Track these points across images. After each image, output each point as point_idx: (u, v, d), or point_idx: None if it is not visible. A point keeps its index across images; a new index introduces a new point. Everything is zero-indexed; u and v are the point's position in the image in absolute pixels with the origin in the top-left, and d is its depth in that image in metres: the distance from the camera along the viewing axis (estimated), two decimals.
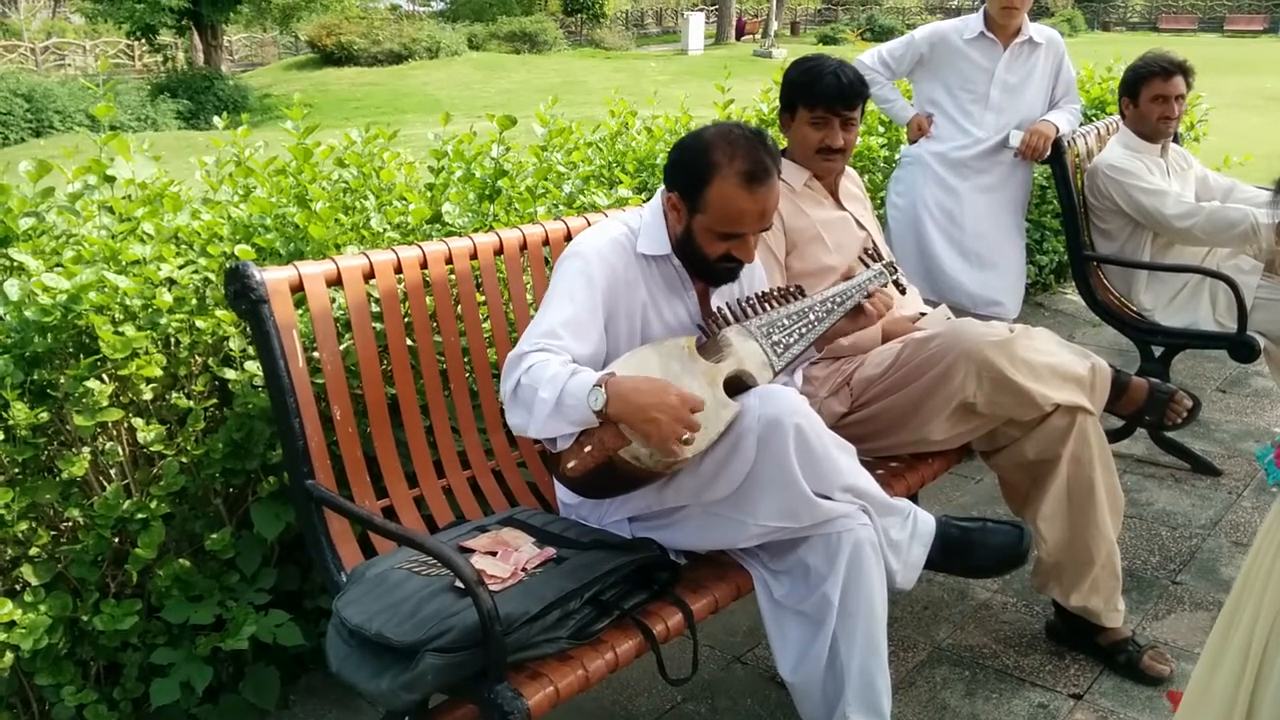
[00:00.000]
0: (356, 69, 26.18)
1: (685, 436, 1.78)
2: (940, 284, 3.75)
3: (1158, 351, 3.73)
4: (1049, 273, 5.73)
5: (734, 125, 2.09)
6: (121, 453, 2.16)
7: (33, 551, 2.07)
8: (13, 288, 2.05)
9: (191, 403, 2.22)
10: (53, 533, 2.12)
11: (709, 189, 2.00)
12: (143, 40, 23.78)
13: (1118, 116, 3.91)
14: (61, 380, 2.06)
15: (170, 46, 25.42)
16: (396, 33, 27.65)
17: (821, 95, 2.57)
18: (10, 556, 2.07)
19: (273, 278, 1.98)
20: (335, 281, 2.11)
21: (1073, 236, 3.76)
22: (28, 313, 2.01)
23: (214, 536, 2.22)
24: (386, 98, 22.55)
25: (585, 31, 36.72)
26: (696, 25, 34.20)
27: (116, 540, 2.15)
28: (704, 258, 2.08)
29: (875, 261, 2.39)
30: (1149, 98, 3.63)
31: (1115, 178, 3.62)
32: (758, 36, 37.43)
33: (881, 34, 36.11)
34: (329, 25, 27.12)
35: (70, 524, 2.16)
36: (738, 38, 38.02)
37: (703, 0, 47.99)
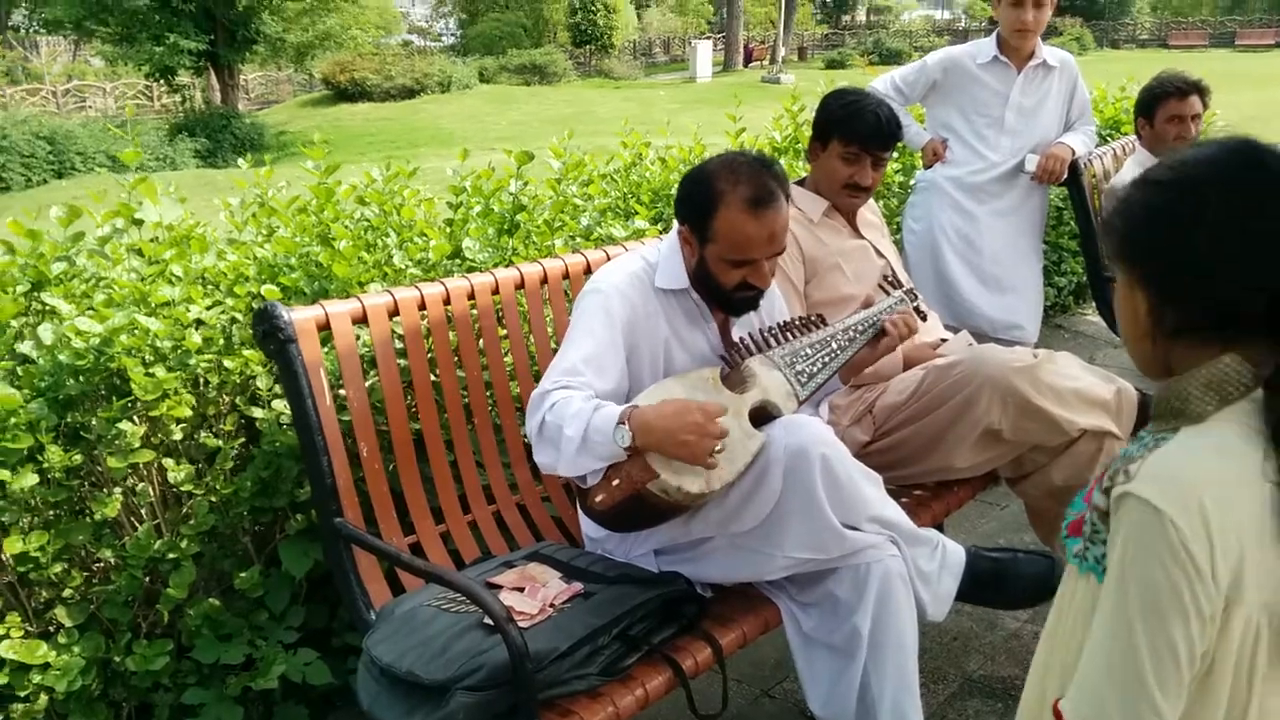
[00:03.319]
0: (370, 104, 26.44)
1: (718, 447, 1.79)
2: (959, 309, 3.74)
3: None
4: (1068, 294, 5.72)
5: (738, 154, 2.11)
6: (152, 493, 2.18)
7: (66, 593, 2.08)
8: (46, 332, 2.08)
9: (220, 442, 2.24)
10: (84, 574, 2.14)
11: (716, 218, 2.02)
12: (161, 81, 24.12)
13: (1134, 137, 3.91)
14: (93, 422, 2.09)
15: (188, 87, 25.74)
16: (409, 68, 27.92)
17: (858, 132, 2.59)
18: (44, 599, 2.09)
19: (300, 317, 2.00)
20: (360, 319, 2.13)
21: (1092, 258, 3.76)
22: (61, 356, 2.04)
23: (243, 575, 2.23)
24: (400, 132, 22.74)
25: (594, 62, 36.96)
26: (704, 53, 34.42)
27: (148, 580, 2.16)
28: (721, 288, 2.09)
29: (895, 289, 2.40)
30: (1165, 118, 3.64)
31: None
32: (765, 63, 37.59)
33: (888, 58, 36.27)
34: (343, 62, 27.40)
35: (102, 565, 2.17)
36: (745, 64, 38.21)
37: (709, 28, 48.32)
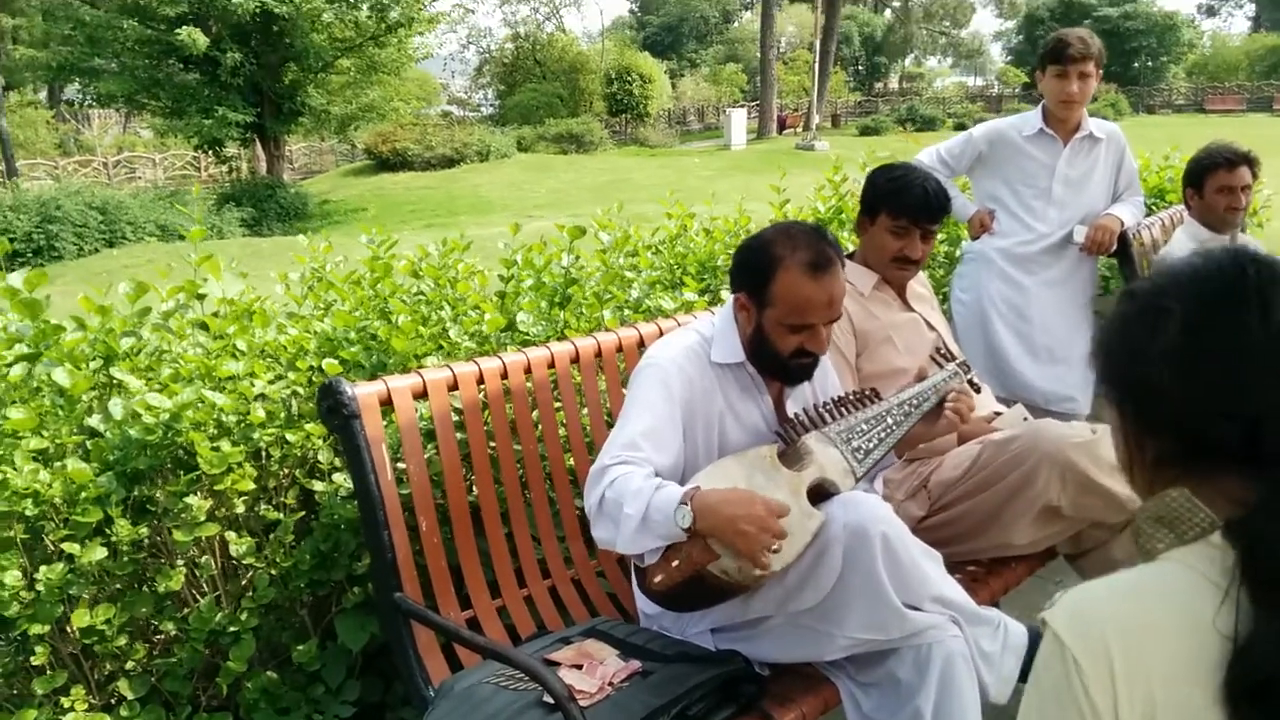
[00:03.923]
0: (411, 173, 26.94)
1: (775, 546, 1.78)
2: (1010, 381, 3.72)
3: None
4: None
5: (792, 223, 2.14)
6: (214, 565, 2.21)
7: (129, 665, 2.10)
8: (116, 407, 2.13)
9: (280, 514, 2.26)
10: (146, 646, 2.16)
11: (774, 282, 2.04)
12: (209, 152, 24.74)
13: (1182, 207, 3.91)
14: (159, 496, 2.12)
15: (235, 157, 26.39)
16: (448, 138, 28.46)
17: (907, 206, 2.61)
18: (108, 671, 2.11)
19: (363, 392, 2.03)
20: (421, 394, 2.16)
21: None
22: (131, 431, 2.08)
23: (300, 648, 2.24)
24: (440, 200, 23.13)
25: (629, 130, 37.51)
26: (738, 121, 34.82)
27: (208, 653, 2.18)
28: (777, 355, 2.10)
29: (948, 361, 2.40)
30: (1214, 189, 3.64)
31: None
32: (799, 130, 37.99)
33: (923, 125, 36.55)
34: (384, 133, 28.01)
35: (163, 637, 2.19)
36: (779, 132, 38.63)
37: (743, 96, 48.97)
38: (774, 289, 2.04)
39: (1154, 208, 5.10)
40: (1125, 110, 39.78)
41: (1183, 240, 3.73)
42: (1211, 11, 77.53)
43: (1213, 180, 3.65)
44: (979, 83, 69.46)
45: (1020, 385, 3.73)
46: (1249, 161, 3.64)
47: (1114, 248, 3.66)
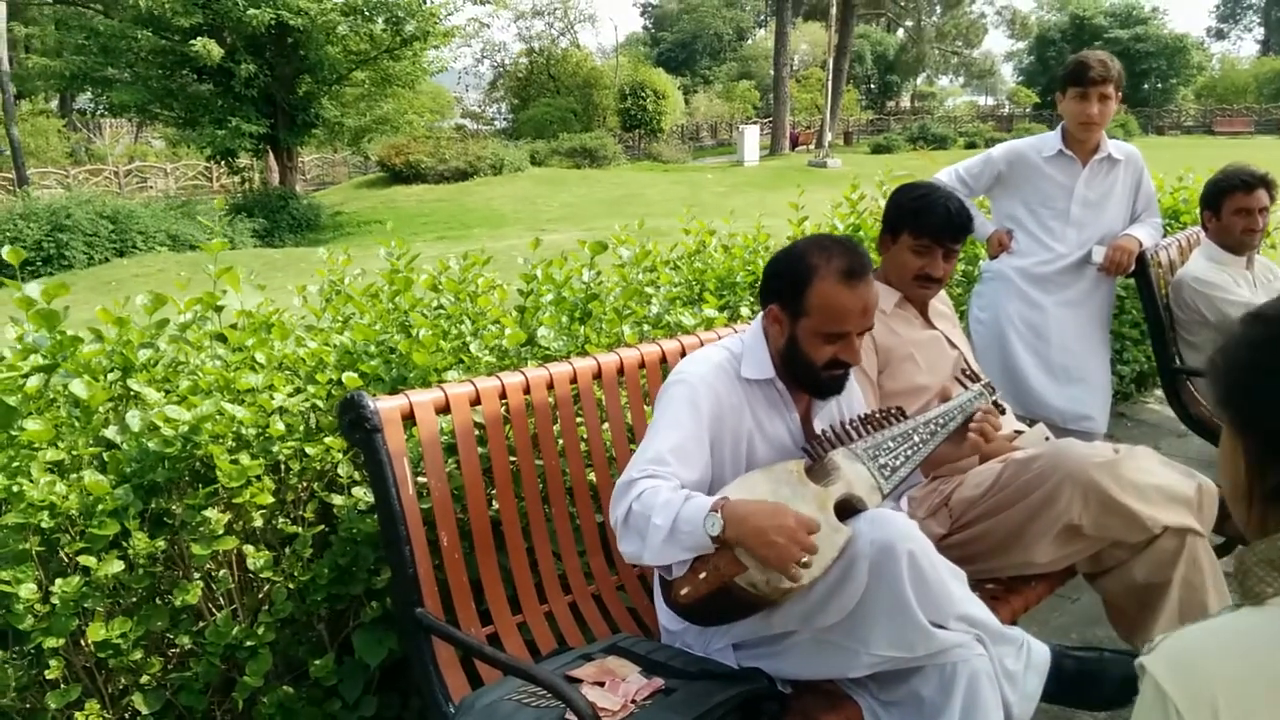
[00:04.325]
0: (424, 186, 27.04)
1: (804, 560, 1.77)
2: (1028, 400, 3.70)
3: None
4: (1130, 382, 5.64)
5: (824, 235, 2.14)
6: (231, 579, 2.19)
7: (144, 680, 2.09)
8: (134, 419, 2.12)
9: (298, 528, 2.25)
10: (162, 660, 2.15)
11: (810, 291, 2.04)
12: (222, 163, 24.86)
13: (1199, 228, 3.89)
14: (177, 509, 2.11)
15: (248, 168, 26.50)
16: (462, 151, 28.57)
17: (929, 225, 2.61)
18: (122, 685, 2.09)
19: (386, 407, 2.02)
20: (443, 409, 2.15)
21: (1160, 350, 3.72)
22: (150, 443, 2.07)
23: (318, 663, 2.23)
24: (453, 213, 23.20)
25: (643, 146, 37.65)
26: (751, 137, 34.93)
27: (224, 667, 2.16)
28: (810, 365, 2.09)
29: (974, 382, 2.38)
30: (1231, 210, 3.63)
31: (1201, 290, 3.59)
32: (811, 147, 38.07)
33: (934, 143, 36.60)
34: (398, 145, 28.13)
35: (179, 651, 2.18)
36: (792, 148, 38.72)
37: (756, 113, 49.10)
38: (810, 298, 2.04)
39: (1168, 229, 5.08)
40: (1135, 131, 39.81)
41: (1200, 261, 3.72)
42: (1221, 35, 77.72)
43: (1230, 202, 3.64)
44: (990, 102, 69.56)
45: (1038, 404, 3.72)
46: (1266, 184, 3.63)
47: (1132, 268, 3.65)
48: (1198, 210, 4.01)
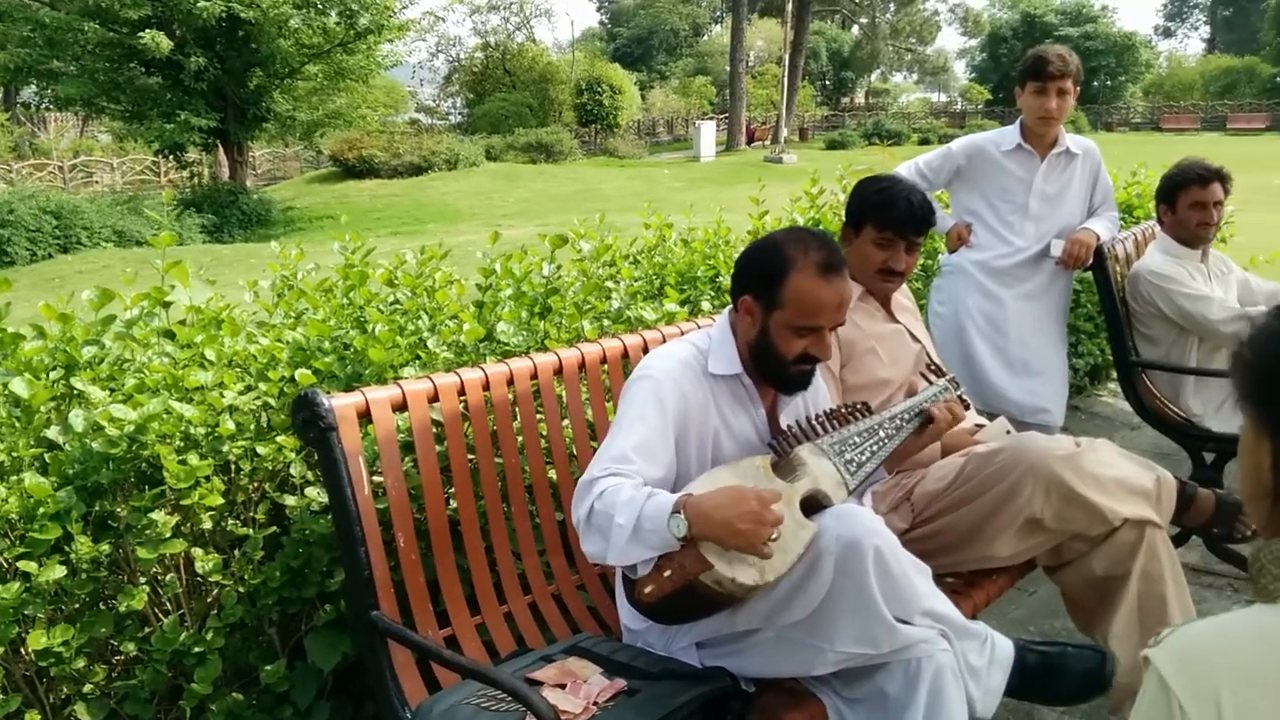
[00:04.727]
0: (378, 181, 26.74)
1: (774, 535, 1.75)
2: (986, 393, 3.72)
3: (1209, 458, 3.66)
4: (1084, 376, 5.70)
5: (800, 227, 2.11)
6: (179, 583, 2.12)
7: (87, 688, 2.01)
8: (77, 418, 2.04)
9: (249, 530, 2.19)
10: (105, 668, 2.07)
11: (787, 283, 2.01)
12: (170, 158, 24.41)
13: (1154, 222, 3.93)
14: (122, 511, 2.04)
15: (197, 163, 26.04)
16: (416, 146, 28.31)
17: (893, 219, 2.60)
18: (64, 694, 2.02)
19: (340, 404, 1.96)
20: (400, 406, 2.09)
21: (1117, 343, 3.74)
22: (94, 444, 2.00)
23: (268, 668, 2.16)
24: (407, 208, 22.97)
25: (599, 141, 37.55)
26: (707, 133, 35.01)
27: (171, 674, 2.10)
28: (780, 359, 2.06)
29: (938, 377, 2.37)
30: (1187, 204, 3.65)
31: (1158, 284, 3.62)
32: (767, 143, 38.22)
33: (888, 139, 36.90)
34: (351, 140, 27.80)
35: (124, 658, 2.11)
36: (748, 144, 38.85)
37: (712, 109, 49.19)
38: (786, 290, 2.02)
39: (1122, 224, 5.13)
40: (1085, 127, 40.37)
41: (1156, 255, 3.75)
42: (1168, 33, 79.18)
43: (1185, 196, 3.67)
44: (943, 99, 70.30)
45: (996, 397, 3.73)
46: (1221, 178, 3.66)
47: (1090, 262, 3.67)
48: (1151, 205, 4.05)
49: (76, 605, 2.02)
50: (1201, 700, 0.89)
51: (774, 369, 2.09)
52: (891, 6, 56.01)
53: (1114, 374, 5.65)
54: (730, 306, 2.15)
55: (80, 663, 1.97)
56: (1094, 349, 5.55)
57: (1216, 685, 0.89)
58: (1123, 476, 2.41)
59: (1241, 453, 1.04)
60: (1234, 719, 0.88)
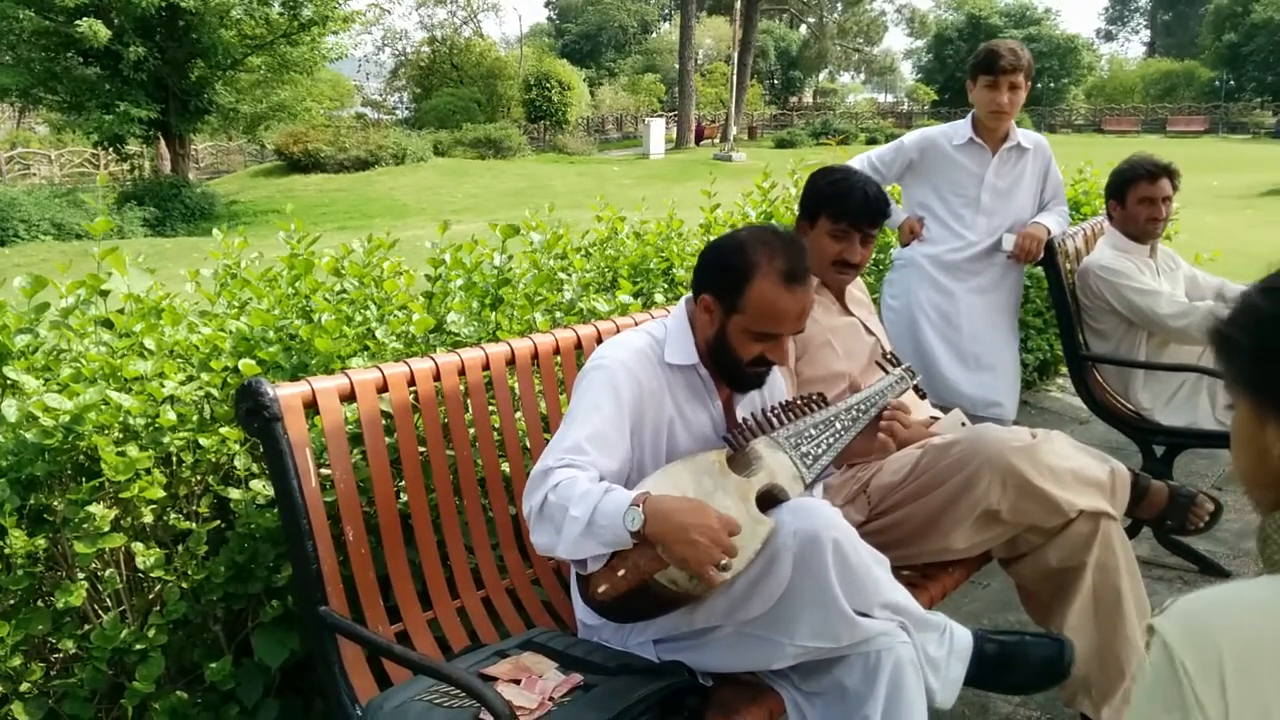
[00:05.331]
0: (323, 175, 26.40)
1: (724, 562, 1.71)
2: (939, 386, 3.73)
3: (1159, 451, 3.71)
4: (1033, 370, 5.76)
5: (767, 227, 2.08)
6: (119, 579, 2.05)
7: (23, 688, 1.93)
8: (10, 409, 1.96)
9: (192, 524, 2.11)
10: (43, 666, 1.99)
11: (749, 288, 1.98)
12: (110, 149, 23.88)
13: (1103, 218, 3.97)
14: (58, 505, 1.96)
15: (137, 155, 25.50)
16: (363, 140, 27.99)
17: (848, 210, 2.59)
18: (0, 693, 1.94)
19: (286, 394, 1.90)
20: (348, 396, 2.04)
21: (1068, 337, 3.78)
22: (28, 435, 1.92)
23: (214, 666, 2.10)
24: (354, 202, 22.69)
25: (548, 137, 37.42)
26: (657, 130, 35.06)
27: (112, 673, 2.02)
28: (736, 360, 2.03)
29: (894, 367, 2.36)
30: (1136, 200, 3.70)
31: (1107, 278, 3.66)
32: (716, 141, 38.35)
33: (838, 136, 37.19)
34: (296, 133, 27.41)
35: (62, 656, 2.03)
36: (697, 142, 38.95)
37: (661, 106, 49.24)
38: (747, 296, 1.98)
39: (1071, 221, 5.20)
40: (1029, 128, 40.94)
41: (1105, 250, 3.79)
42: (1110, 36, 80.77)
43: (1135, 191, 3.71)
44: (890, 99, 71.03)
45: (948, 391, 3.75)
46: (1170, 174, 3.71)
47: (1041, 256, 3.70)
48: (1098, 202, 4.09)
49: (12, 601, 1.94)
50: (1206, 666, 0.88)
51: (729, 369, 2.06)
52: (839, 6, 56.45)
53: (1063, 369, 5.74)
54: (688, 296, 2.12)
55: (16, 661, 1.89)
56: (1043, 344, 5.61)
57: (1219, 645, 0.89)
58: (1078, 468, 2.42)
59: (1237, 440, 1.02)
60: (1235, 680, 0.88)
